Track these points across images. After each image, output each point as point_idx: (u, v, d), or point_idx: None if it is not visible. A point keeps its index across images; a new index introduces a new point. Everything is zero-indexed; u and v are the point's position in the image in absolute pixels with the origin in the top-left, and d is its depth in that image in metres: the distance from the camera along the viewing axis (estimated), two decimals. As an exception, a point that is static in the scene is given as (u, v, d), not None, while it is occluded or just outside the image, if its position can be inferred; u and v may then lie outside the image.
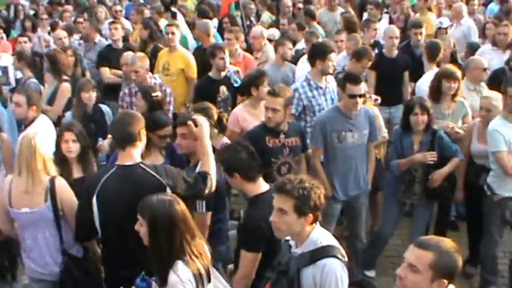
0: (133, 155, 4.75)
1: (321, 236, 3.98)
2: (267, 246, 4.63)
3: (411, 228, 7.15)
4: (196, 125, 5.07)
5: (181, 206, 4.05)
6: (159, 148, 6.22)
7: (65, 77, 8.53)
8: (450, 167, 6.69)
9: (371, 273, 7.22)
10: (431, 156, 6.55)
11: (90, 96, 7.50)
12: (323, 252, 3.89)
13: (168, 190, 4.59)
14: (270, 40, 10.45)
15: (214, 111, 6.16)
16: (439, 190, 6.72)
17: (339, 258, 3.91)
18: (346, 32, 10.35)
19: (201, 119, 5.16)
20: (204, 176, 4.87)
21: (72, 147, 5.92)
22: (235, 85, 8.32)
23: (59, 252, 5.34)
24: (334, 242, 4.02)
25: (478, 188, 6.76)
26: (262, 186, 4.92)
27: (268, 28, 11.37)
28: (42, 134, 5.57)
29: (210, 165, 4.95)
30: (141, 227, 4.02)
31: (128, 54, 8.91)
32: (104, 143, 7.28)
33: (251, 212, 4.85)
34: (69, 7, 15.29)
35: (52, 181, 5.23)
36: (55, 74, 8.61)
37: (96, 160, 6.92)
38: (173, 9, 13.26)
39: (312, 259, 3.88)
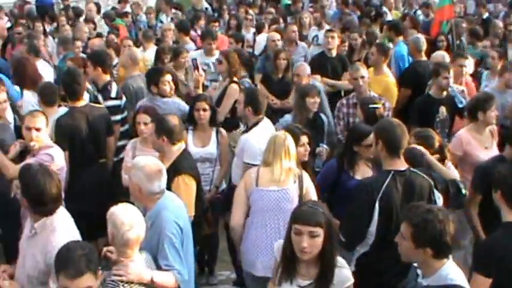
0: (403, 161, 5.04)
1: (452, 273, 3.85)
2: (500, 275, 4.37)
3: None
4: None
5: None
6: (365, 159, 6.14)
7: (235, 79, 8.49)
8: None
9: None
10: None
11: (315, 102, 7.41)
12: None
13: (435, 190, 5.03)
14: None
15: (436, 140, 6.02)
16: None
17: None
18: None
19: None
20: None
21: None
22: (460, 106, 7.91)
23: None
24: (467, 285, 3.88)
25: None
26: None
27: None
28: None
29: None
30: (318, 237, 4.00)
31: (302, 65, 8.74)
32: (323, 150, 7.21)
33: (497, 234, 4.67)
34: (272, 9, 15.42)
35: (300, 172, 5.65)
36: (228, 74, 8.56)
37: (313, 165, 6.94)
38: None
39: None
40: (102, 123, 7.17)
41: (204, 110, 6.88)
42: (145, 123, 6.58)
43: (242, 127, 7.69)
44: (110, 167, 7.38)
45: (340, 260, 4.14)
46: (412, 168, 5.07)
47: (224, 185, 7.27)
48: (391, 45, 10.48)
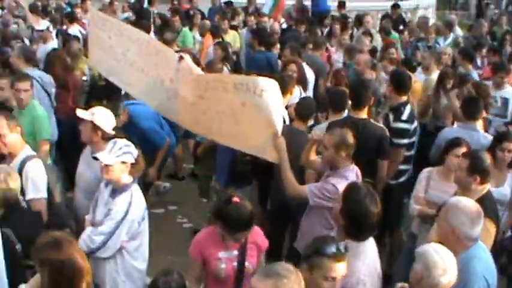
0: None
1: None
2: None
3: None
4: None
5: None
6: None
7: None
8: None
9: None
10: None
11: None
12: None
13: None
14: None
15: None
16: None
17: None
18: None
19: None
20: None
21: None
22: None
23: None
24: None
25: None
26: None
27: None
28: None
29: None
30: None
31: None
32: None
33: None
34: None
35: None
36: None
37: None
38: None
39: None
40: (372, 142, 6.81)
41: (509, 151, 6.50)
42: (458, 156, 6.19)
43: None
44: (378, 189, 6.75)
45: None
46: None
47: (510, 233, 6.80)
48: None
